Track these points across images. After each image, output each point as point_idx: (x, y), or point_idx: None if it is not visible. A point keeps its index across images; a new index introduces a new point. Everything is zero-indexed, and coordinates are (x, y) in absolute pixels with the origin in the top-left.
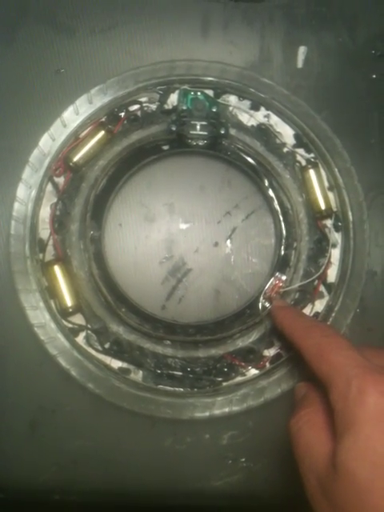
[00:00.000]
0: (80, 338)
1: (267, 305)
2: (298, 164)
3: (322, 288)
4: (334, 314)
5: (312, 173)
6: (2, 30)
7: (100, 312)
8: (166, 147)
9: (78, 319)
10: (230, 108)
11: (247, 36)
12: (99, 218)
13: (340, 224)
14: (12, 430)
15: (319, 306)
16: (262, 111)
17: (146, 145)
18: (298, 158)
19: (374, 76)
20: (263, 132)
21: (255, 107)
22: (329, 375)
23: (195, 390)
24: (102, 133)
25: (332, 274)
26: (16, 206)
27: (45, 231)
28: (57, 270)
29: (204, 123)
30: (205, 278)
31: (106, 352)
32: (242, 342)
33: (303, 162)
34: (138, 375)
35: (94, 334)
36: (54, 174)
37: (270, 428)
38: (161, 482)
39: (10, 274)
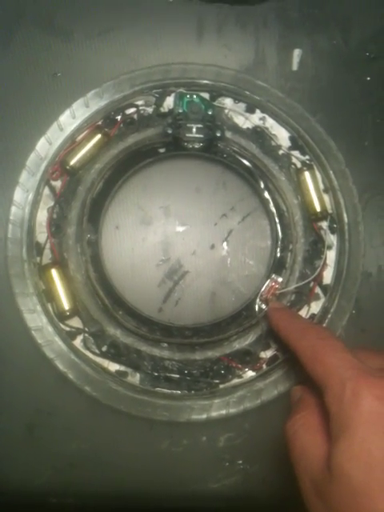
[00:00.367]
0: (77, 341)
1: (263, 307)
2: (293, 166)
3: (317, 290)
4: (329, 316)
5: (307, 175)
6: None
7: (97, 315)
8: (162, 150)
9: (75, 322)
10: (226, 111)
11: (242, 39)
12: (96, 221)
13: (335, 226)
14: (9, 432)
15: (315, 307)
16: (258, 114)
17: (142, 148)
18: (294, 160)
19: (368, 78)
20: (258, 134)
21: (250, 110)
22: (323, 377)
23: (192, 392)
24: (98, 136)
25: (328, 276)
26: (13, 209)
27: (42, 235)
28: (54, 273)
29: (200, 126)
30: (201, 281)
31: (103, 355)
32: (239, 344)
33: (298, 164)
34: (135, 378)
35: (91, 337)
36: (51, 177)
37: (267, 430)
38: (158, 484)
39: (8, 278)
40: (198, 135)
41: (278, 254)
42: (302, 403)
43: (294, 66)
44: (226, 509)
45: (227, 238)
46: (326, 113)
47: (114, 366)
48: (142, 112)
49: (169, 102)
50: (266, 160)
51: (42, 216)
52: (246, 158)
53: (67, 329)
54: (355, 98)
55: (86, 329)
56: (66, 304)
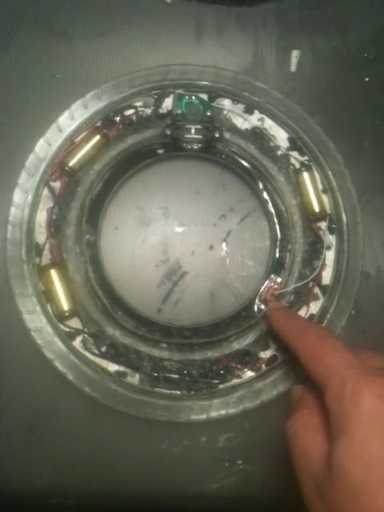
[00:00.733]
0: (76, 342)
1: (263, 307)
2: (291, 167)
3: (316, 290)
4: (328, 316)
5: (306, 175)
6: None
7: (96, 316)
8: (160, 151)
9: (75, 323)
10: (225, 112)
11: (241, 40)
12: (95, 221)
13: (334, 226)
14: (8, 433)
15: (314, 307)
16: (256, 115)
17: (141, 149)
18: (292, 160)
19: (367, 79)
20: (257, 135)
21: (249, 111)
22: (323, 377)
23: (192, 392)
24: (97, 137)
25: (327, 276)
26: (12, 210)
27: (41, 235)
28: (53, 274)
29: (198, 127)
30: (200, 281)
31: (102, 355)
32: (238, 345)
33: (297, 165)
34: (134, 378)
35: (91, 337)
36: (50, 178)
37: (267, 430)
38: (158, 484)
39: (7, 279)
40: (196, 136)
41: (277, 255)
42: (302, 402)
43: (293, 68)
44: (225, 509)
45: (226, 238)
46: (325, 114)
47: (113, 367)
48: (140, 113)
49: (167, 103)
50: (264, 161)
51: (42, 217)
52: (244, 159)
53: (66, 329)
54: (354, 99)
55: (86, 329)
56: (65, 305)
